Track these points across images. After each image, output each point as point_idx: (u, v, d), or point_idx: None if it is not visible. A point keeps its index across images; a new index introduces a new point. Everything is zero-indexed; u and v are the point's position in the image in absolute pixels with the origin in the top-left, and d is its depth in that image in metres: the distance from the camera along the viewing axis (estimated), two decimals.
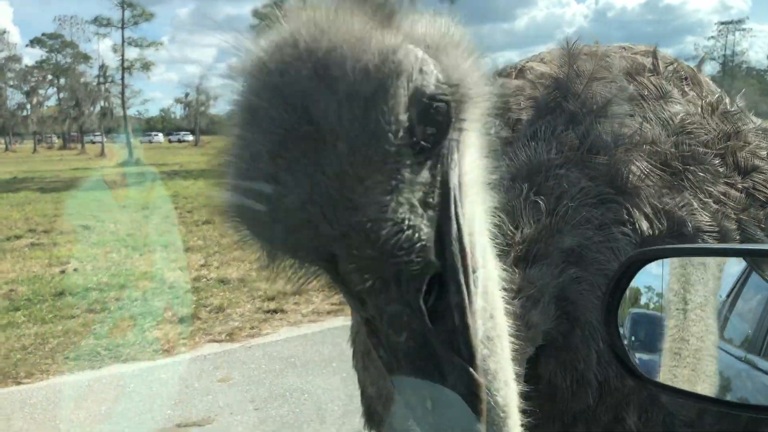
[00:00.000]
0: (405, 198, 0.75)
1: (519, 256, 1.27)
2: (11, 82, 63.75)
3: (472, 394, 0.76)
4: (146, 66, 57.91)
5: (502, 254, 1.16)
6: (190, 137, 78.36)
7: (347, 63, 0.71)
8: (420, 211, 0.77)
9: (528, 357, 1.18)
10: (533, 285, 1.24)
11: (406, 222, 0.75)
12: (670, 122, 1.42)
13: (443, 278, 0.78)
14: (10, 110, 63.59)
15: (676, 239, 1.31)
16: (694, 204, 1.34)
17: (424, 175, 0.77)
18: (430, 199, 0.78)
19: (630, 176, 1.34)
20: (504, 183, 1.32)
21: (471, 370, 0.76)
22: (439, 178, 0.79)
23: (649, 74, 1.51)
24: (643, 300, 1.24)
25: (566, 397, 1.29)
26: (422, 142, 0.75)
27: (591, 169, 1.34)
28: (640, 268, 1.16)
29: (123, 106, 52.75)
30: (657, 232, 1.31)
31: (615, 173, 1.33)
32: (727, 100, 1.58)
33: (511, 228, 1.29)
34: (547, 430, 1.32)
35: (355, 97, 0.71)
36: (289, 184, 0.73)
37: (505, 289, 1.04)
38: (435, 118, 0.76)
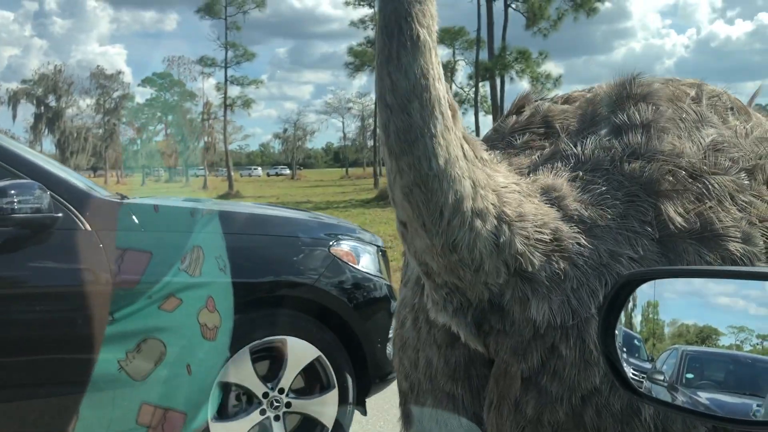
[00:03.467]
0: None
1: (539, 188, 1.45)
2: (124, 119, 67.70)
3: None
4: (247, 103, 60.16)
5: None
6: (287, 171, 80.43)
7: None
8: None
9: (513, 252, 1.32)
10: (547, 197, 1.42)
11: None
12: (702, 141, 1.52)
13: None
14: (123, 145, 67.60)
15: (698, 241, 1.39)
16: (719, 209, 1.42)
17: None
18: None
19: (661, 181, 1.45)
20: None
21: None
22: None
23: (691, 101, 1.61)
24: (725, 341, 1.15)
25: (573, 370, 1.34)
26: None
27: (628, 173, 1.47)
28: (636, 287, 1.17)
29: (225, 141, 55.01)
30: (679, 230, 1.39)
31: (648, 178, 1.45)
32: None
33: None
34: (557, 412, 1.36)
35: None
36: None
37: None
38: None
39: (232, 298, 3.50)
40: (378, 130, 1.30)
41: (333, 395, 3.77)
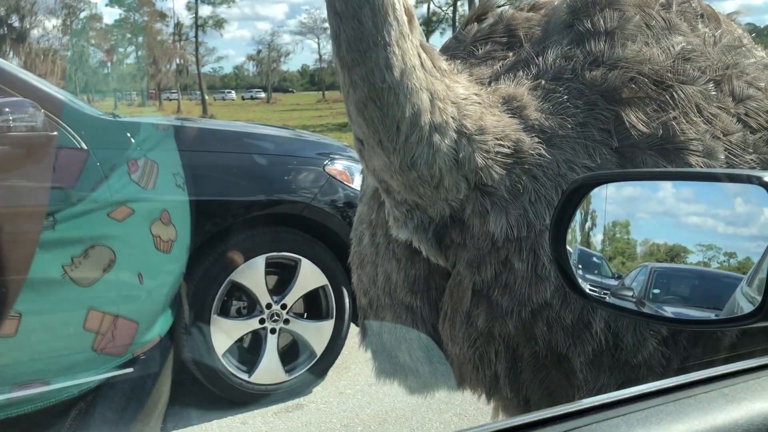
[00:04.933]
0: None
1: (501, 97, 1.43)
2: (92, 41, 65.48)
3: None
4: (219, 23, 58.51)
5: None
6: (263, 94, 78.93)
7: None
8: None
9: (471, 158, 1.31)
10: (508, 106, 1.40)
11: None
12: (670, 49, 1.48)
13: None
14: (92, 68, 65.65)
15: (657, 152, 1.36)
16: (683, 120, 1.39)
17: None
18: None
19: (624, 89, 1.40)
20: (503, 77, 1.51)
21: None
22: None
23: (660, 8, 1.56)
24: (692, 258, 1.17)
25: (524, 283, 1.33)
26: None
27: (588, 80, 1.43)
28: (589, 191, 1.18)
29: (197, 63, 53.72)
30: (639, 139, 1.37)
31: (610, 85, 1.41)
32: (739, 36, 1.64)
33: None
34: (507, 325, 1.37)
35: None
36: None
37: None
38: None
39: (189, 215, 3.48)
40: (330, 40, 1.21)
41: (329, 325, 3.92)
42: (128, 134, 3.47)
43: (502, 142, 1.33)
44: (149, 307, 3.42)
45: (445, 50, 1.73)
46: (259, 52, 78.14)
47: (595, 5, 1.55)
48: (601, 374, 1.36)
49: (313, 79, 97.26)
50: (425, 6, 50.48)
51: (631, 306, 1.14)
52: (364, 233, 1.65)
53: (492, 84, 1.50)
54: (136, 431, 3.47)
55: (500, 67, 1.57)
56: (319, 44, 75.86)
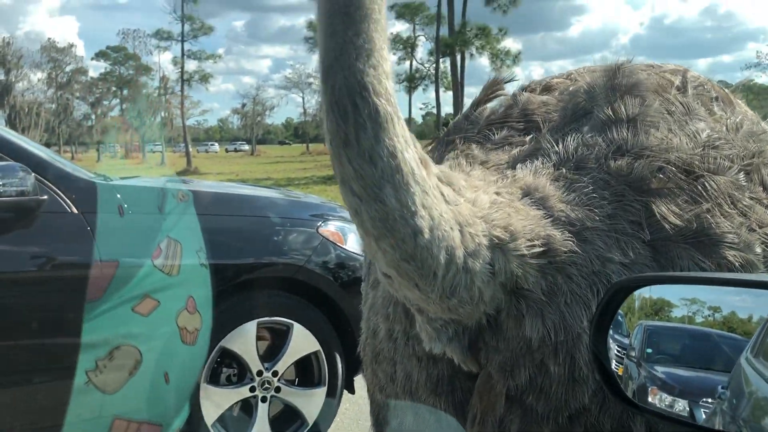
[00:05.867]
0: None
1: (520, 187, 1.35)
2: (77, 94, 65.74)
3: None
4: (205, 78, 58.93)
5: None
6: (246, 147, 79.31)
7: None
8: None
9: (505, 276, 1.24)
10: (530, 198, 1.32)
11: None
12: (696, 136, 1.43)
13: None
14: (77, 120, 65.68)
15: (692, 246, 1.30)
16: (717, 213, 1.33)
17: None
18: None
19: (652, 179, 1.35)
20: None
21: None
22: None
23: (677, 92, 1.53)
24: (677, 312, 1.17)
25: (560, 388, 1.27)
26: None
27: (614, 170, 1.37)
28: (627, 294, 1.14)
29: (182, 116, 53.92)
30: (673, 232, 1.30)
31: (638, 176, 1.35)
32: (756, 121, 1.60)
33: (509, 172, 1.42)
34: (538, 429, 1.30)
35: None
36: None
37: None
38: None
39: (212, 297, 3.32)
40: (344, 204, 1.14)
41: (321, 393, 3.81)
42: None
43: (533, 243, 1.26)
44: (174, 404, 3.28)
45: (458, 131, 1.68)
46: (243, 105, 78.92)
47: (614, 91, 1.51)
48: None
49: (297, 132, 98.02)
50: (407, 63, 51.50)
51: (683, 416, 1.08)
52: (380, 326, 1.54)
53: (510, 172, 1.44)
54: None
55: (518, 153, 1.51)
56: (303, 98, 76.65)
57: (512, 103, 1.66)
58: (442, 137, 1.72)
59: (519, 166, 1.45)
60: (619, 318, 1.18)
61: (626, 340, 1.18)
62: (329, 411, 3.84)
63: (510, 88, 1.77)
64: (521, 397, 1.32)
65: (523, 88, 1.73)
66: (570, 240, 1.28)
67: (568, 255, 1.27)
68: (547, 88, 1.69)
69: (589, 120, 1.49)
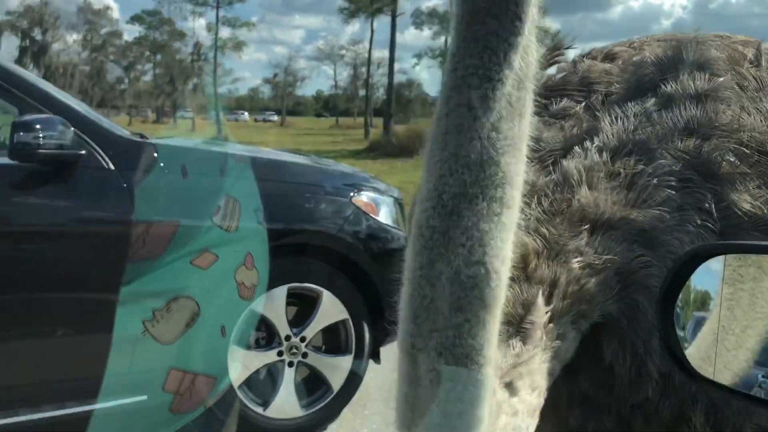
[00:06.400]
0: None
1: (581, 220, 1.23)
2: (111, 57, 66.29)
3: None
4: (238, 46, 59.25)
5: (550, 214, 1.23)
6: (275, 117, 79.47)
7: None
8: None
9: (583, 333, 1.17)
10: (597, 255, 1.20)
11: None
12: None
13: None
14: (110, 84, 66.35)
15: (764, 233, 1.21)
16: None
17: None
18: None
19: (723, 162, 1.25)
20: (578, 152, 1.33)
21: None
22: None
23: (750, 65, 1.42)
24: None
25: (625, 384, 1.23)
26: None
27: (680, 152, 1.28)
28: (701, 262, 1.09)
29: (214, 84, 54.36)
30: (746, 219, 1.21)
31: (706, 158, 1.26)
32: None
33: (566, 193, 1.27)
34: (603, 421, 1.27)
35: None
36: None
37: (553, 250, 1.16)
38: None
39: (268, 254, 3.36)
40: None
41: (347, 361, 3.82)
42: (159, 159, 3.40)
43: (611, 285, 1.19)
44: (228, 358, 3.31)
45: None
46: (275, 75, 78.95)
47: (683, 63, 1.41)
48: None
49: (327, 105, 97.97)
50: (442, 38, 50.95)
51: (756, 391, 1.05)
52: None
53: (559, 160, 1.34)
54: None
55: (575, 132, 1.40)
56: (335, 70, 76.49)
57: (572, 70, 1.57)
58: None
59: (574, 150, 1.34)
60: (678, 311, 1.14)
61: (681, 333, 1.15)
62: (355, 379, 3.86)
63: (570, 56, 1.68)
64: (583, 392, 1.29)
65: (584, 55, 1.63)
66: (643, 257, 1.22)
67: (643, 278, 1.21)
68: (609, 55, 1.60)
69: (654, 95, 1.39)
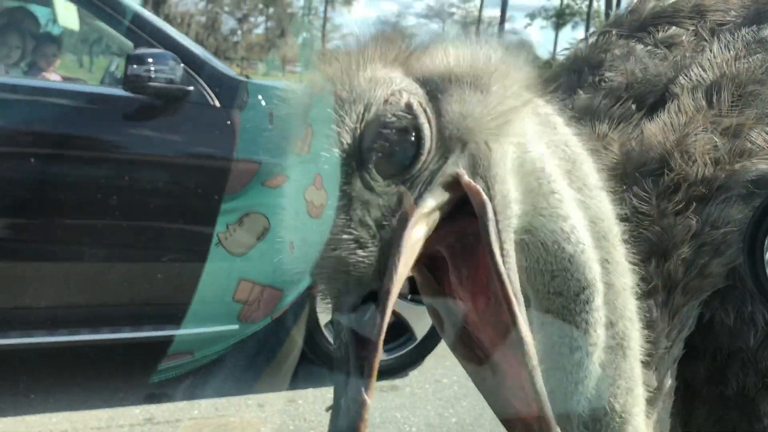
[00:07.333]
0: (356, 215, 0.85)
1: (697, 196, 1.16)
2: (226, 9, 68.23)
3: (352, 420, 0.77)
4: (348, 1, 59.37)
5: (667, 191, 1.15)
6: None
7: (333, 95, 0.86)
8: (372, 231, 0.84)
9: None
10: (714, 228, 1.15)
11: (351, 238, 0.84)
12: None
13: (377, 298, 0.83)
14: (224, 35, 68.49)
15: None
16: None
17: (383, 196, 0.85)
18: (386, 222, 0.84)
19: None
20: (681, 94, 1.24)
21: (361, 398, 0.77)
22: (407, 203, 0.84)
23: None
24: None
25: (725, 332, 1.21)
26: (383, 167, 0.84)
27: None
28: None
29: (323, 39, 54.87)
30: None
31: None
32: None
33: (684, 163, 1.17)
34: (695, 365, 1.25)
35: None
36: None
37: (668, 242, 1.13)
38: (395, 146, 0.84)
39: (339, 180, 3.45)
40: None
41: None
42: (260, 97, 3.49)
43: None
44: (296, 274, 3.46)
45: (618, 24, 1.48)
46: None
47: None
48: None
49: None
50: None
51: None
52: None
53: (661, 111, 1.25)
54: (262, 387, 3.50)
55: (675, 68, 1.30)
56: (443, 29, 75.47)
57: None
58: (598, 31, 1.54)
59: (681, 97, 1.25)
60: None
61: None
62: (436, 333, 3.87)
63: None
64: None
65: None
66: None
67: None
68: None
69: None
